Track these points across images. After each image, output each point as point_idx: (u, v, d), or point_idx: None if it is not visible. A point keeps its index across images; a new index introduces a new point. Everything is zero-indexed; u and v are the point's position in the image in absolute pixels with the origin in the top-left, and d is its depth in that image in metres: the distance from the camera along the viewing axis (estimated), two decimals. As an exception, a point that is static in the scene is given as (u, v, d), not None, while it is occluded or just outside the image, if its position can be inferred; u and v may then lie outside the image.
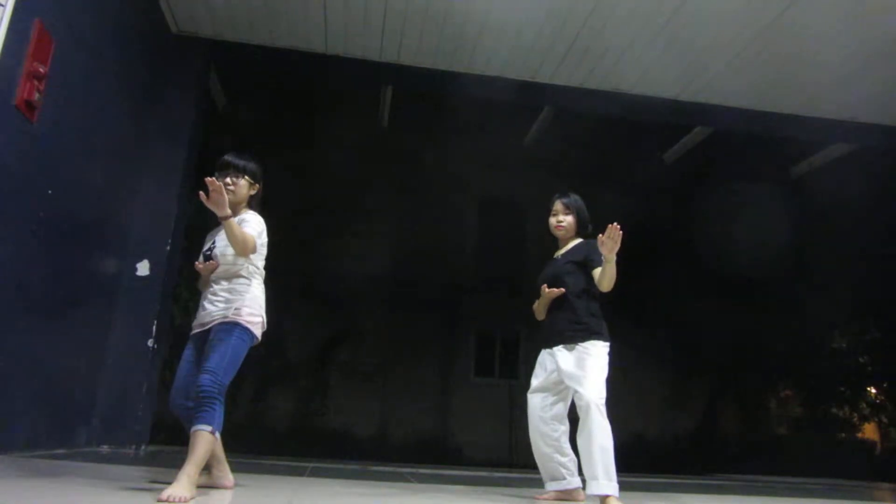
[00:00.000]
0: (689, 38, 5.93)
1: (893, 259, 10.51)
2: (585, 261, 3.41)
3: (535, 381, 3.54)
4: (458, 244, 12.62)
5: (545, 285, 3.46)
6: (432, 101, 9.07)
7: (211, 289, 2.89)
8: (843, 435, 13.97)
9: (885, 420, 14.10)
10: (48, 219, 3.94)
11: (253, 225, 2.89)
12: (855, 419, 14.07)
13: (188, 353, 2.88)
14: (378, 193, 12.24)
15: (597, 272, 3.30)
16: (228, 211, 2.73)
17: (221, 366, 2.65)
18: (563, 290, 3.38)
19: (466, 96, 7.26)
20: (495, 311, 12.35)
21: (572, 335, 3.34)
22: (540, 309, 3.55)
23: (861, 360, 14.10)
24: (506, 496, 3.64)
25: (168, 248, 5.47)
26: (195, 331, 2.90)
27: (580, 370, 3.23)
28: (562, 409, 3.47)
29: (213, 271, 2.87)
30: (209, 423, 2.56)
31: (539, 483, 3.57)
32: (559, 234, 3.65)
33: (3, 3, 3.24)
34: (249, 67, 7.28)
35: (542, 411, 3.47)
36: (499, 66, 6.49)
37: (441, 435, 11.98)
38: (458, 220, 12.85)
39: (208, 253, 2.94)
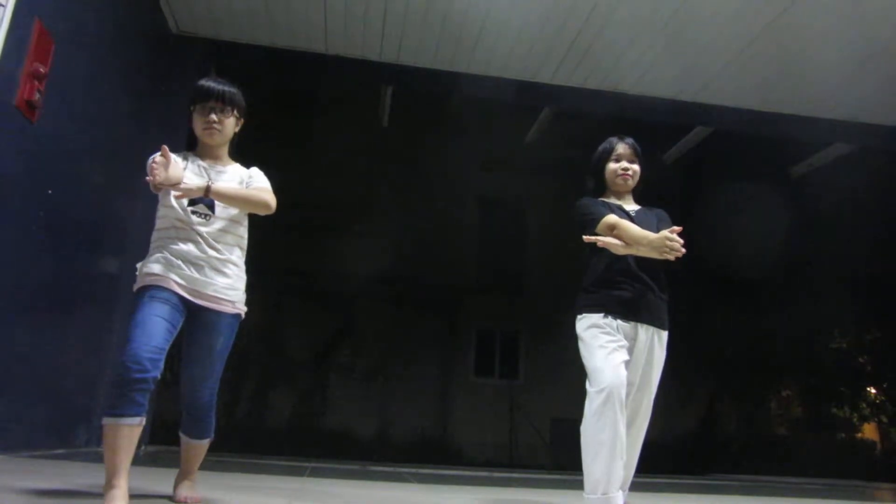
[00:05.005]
0: (689, 38, 5.92)
1: (893, 259, 10.52)
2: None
3: (623, 350, 2.57)
4: (458, 244, 12.62)
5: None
6: (432, 101, 9.07)
7: (215, 249, 2.29)
8: (843, 435, 13.99)
9: (885, 420, 14.11)
10: (48, 219, 3.93)
11: (264, 179, 2.44)
12: (855, 419, 14.09)
13: (162, 309, 2.18)
14: (378, 193, 12.24)
15: None
16: (201, 181, 2.22)
17: (220, 375, 2.48)
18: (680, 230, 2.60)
19: (466, 96, 7.25)
20: (495, 311, 12.37)
21: (665, 321, 2.70)
22: (619, 244, 2.64)
23: (861, 360, 14.11)
24: (506, 496, 3.63)
25: (168, 248, 5.45)
26: (183, 294, 2.24)
27: (660, 370, 2.69)
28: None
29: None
30: (212, 434, 2.55)
31: (539, 483, 3.56)
32: (624, 183, 2.91)
33: (4, 3, 3.24)
34: (249, 67, 7.28)
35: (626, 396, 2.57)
36: (499, 67, 6.48)
37: (441, 435, 11.99)
38: (458, 220, 12.85)
39: (209, 203, 2.31)
